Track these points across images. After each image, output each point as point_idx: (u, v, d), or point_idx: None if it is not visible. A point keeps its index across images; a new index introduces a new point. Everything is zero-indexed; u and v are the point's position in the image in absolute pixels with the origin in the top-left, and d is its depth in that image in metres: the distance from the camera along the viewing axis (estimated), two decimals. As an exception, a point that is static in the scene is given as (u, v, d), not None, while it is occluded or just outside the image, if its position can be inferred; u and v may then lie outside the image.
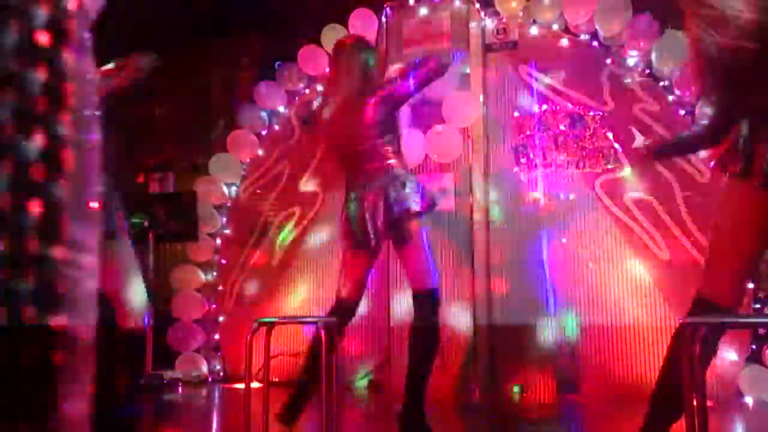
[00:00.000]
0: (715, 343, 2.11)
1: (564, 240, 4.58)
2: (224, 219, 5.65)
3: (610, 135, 4.55)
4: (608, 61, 4.64)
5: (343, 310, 2.97)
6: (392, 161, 2.87)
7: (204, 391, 4.90)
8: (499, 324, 4.65)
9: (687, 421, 1.73)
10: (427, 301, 2.84)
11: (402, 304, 4.58)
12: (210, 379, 5.29)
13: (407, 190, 2.81)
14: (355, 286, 2.98)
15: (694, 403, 1.71)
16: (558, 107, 4.73)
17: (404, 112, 4.59)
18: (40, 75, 0.72)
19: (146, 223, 5.35)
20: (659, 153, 2.76)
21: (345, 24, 5.22)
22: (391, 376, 4.56)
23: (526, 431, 3.22)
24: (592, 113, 4.63)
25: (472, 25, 4.82)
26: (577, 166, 4.62)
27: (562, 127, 4.70)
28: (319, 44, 5.27)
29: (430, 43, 4.80)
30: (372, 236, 2.81)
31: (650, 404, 2.18)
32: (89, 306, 0.76)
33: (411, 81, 2.85)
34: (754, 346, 4.03)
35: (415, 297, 2.86)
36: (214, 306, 5.52)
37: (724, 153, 2.07)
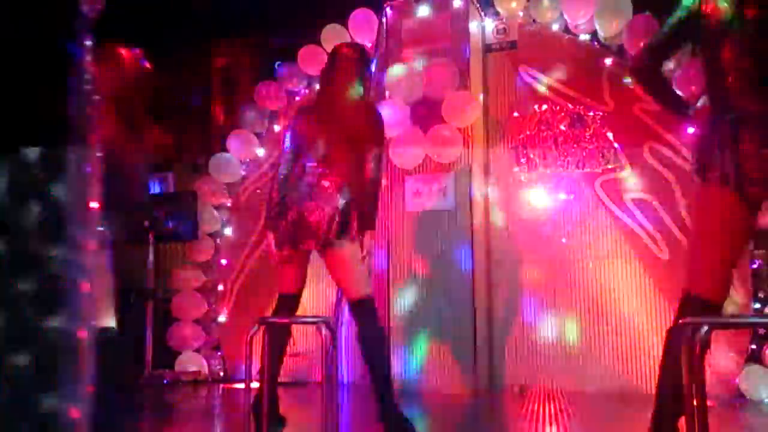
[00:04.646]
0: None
1: (564, 240, 4.59)
2: (224, 219, 5.65)
3: (610, 135, 4.55)
4: (608, 61, 4.64)
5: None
6: None
7: (204, 391, 4.89)
8: (500, 324, 4.66)
9: (687, 421, 1.73)
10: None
11: (402, 304, 4.59)
12: (210, 379, 5.28)
13: None
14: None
15: (694, 403, 1.71)
16: (558, 107, 4.72)
17: (404, 112, 4.61)
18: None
19: (146, 223, 5.34)
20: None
21: (345, 24, 5.22)
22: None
23: (527, 431, 3.22)
24: (592, 113, 4.62)
25: (472, 25, 4.81)
26: (577, 166, 4.62)
27: (562, 127, 4.70)
28: (319, 44, 5.26)
29: (430, 43, 4.79)
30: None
31: (656, 401, 2.19)
32: (89, 306, 0.76)
33: None
34: (754, 346, 4.03)
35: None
36: (214, 306, 5.52)
37: (705, 159, 2.12)
